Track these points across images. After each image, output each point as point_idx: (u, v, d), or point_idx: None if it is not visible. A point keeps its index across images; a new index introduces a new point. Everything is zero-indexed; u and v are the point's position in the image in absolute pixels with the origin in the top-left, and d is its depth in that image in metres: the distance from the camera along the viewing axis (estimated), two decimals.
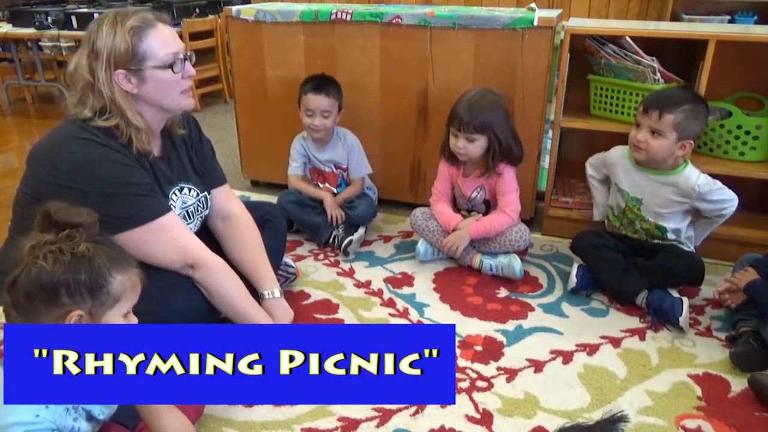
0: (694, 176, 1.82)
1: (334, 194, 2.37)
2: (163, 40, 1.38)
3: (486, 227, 2.03)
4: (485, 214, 2.12)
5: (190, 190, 1.58)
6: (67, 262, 1.00)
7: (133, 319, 1.14)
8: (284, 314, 1.64)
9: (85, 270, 1.02)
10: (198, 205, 1.61)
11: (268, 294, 1.63)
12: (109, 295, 1.05)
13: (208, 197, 1.66)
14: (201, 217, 1.64)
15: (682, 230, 1.92)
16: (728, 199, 1.83)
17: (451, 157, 2.09)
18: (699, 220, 1.94)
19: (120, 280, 1.06)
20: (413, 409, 1.46)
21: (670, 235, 1.91)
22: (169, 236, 1.42)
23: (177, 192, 1.54)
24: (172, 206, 1.50)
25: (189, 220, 1.58)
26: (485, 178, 2.07)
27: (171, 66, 1.39)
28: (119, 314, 1.09)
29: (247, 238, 1.68)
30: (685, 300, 1.78)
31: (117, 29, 1.35)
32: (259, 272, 1.65)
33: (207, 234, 1.70)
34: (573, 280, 1.94)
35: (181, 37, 4.78)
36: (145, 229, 1.38)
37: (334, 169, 2.38)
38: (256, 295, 1.63)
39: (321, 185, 2.40)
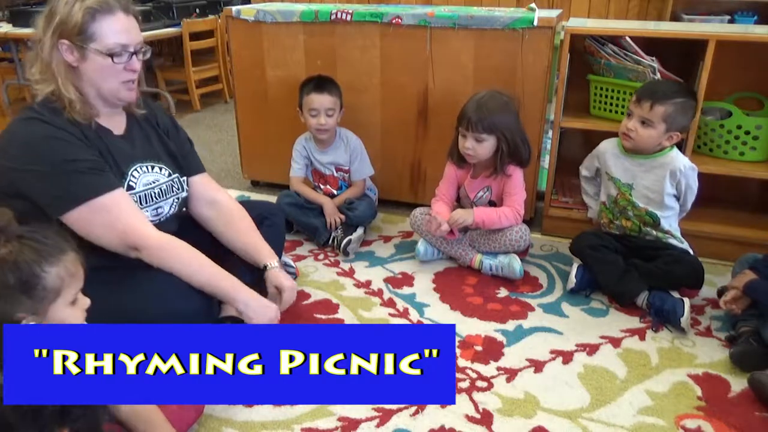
0: (680, 157, 1.89)
1: (334, 196, 2.37)
2: (114, 28, 1.38)
3: (490, 215, 2.02)
4: None
5: (161, 168, 1.58)
6: None
7: (84, 302, 1.11)
8: (287, 281, 1.64)
9: (11, 274, 0.97)
10: (172, 184, 1.61)
11: (271, 265, 1.64)
12: (47, 289, 1.01)
13: (183, 180, 1.66)
14: (177, 198, 1.63)
15: (672, 219, 1.94)
16: (695, 190, 1.90)
17: (460, 159, 2.09)
18: None
19: (55, 272, 1.02)
20: (413, 409, 1.46)
21: (664, 225, 1.92)
22: (108, 217, 1.39)
23: (140, 169, 1.53)
24: (132, 183, 1.49)
25: (161, 198, 1.58)
26: (493, 178, 2.07)
27: (112, 55, 1.38)
28: (65, 303, 1.06)
29: (236, 218, 1.70)
30: (687, 301, 1.78)
31: (77, 2, 1.36)
32: (256, 248, 1.66)
33: (194, 224, 1.72)
34: (572, 280, 1.94)
35: (181, 37, 4.73)
36: (85, 209, 1.36)
37: (335, 172, 2.37)
38: (252, 273, 1.64)
39: (321, 187, 2.40)
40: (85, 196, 1.36)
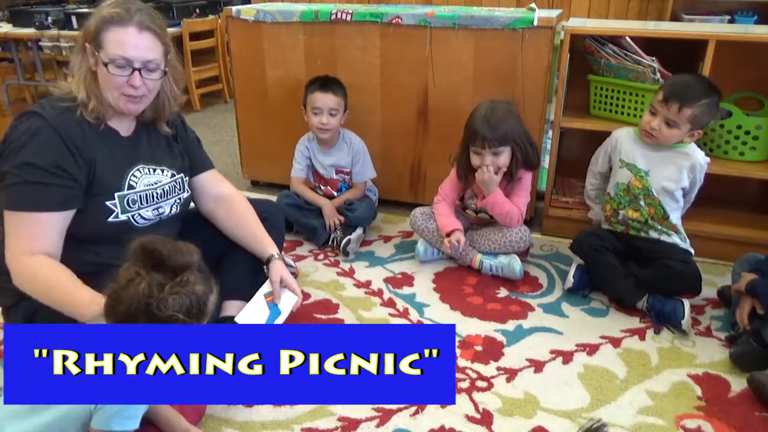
0: (699, 152, 1.89)
1: (334, 197, 2.37)
2: (120, 41, 1.39)
3: (503, 204, 2.02)
4: (492, 217, 2.12)
5: (163, 171, 1.60)
6: (186, 304, 1.12)
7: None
8: (286, 273, 1.66)
9: (198, 306, 1.15)
10: (174, 185, 1.63)
11: (276, 255, 1.67)
12: (207, 315, 1.18)
13: (186, 181, 1.68)
14: (179, 198, 1.65)
15: (677, 214, 1.93)
16: (702, 185, 1.92)
17: (467, 177, 2.08)
18: None
19: (212, 300, 1.20)
20: (413, 409, 1.46)
21: (674, 219, 1.91)
22: (12, 232, 1.38)
23: (143, 170, 1.55)
24: (132, 183, 1.52)
25: (162, 199, 1.60)
26: (510, 188, 2.07)
27: (108, 64, 1.39)
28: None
29: (241, 212, 1.73)
30: (687, 303, 1.77)
31: (103, 10, 1.40)
32: (261, 241, 1.70)
33: (200, 225, 1.73)
34: (570, 280, 1.94)
35: (181, 37, 4.69)
36: (11, 216, 1.38)
37: (334, 174, 2.37)
38: (254, 264, 1.69)
39: (322, 188, 2.40)
40: (14, 205, 1.37)
